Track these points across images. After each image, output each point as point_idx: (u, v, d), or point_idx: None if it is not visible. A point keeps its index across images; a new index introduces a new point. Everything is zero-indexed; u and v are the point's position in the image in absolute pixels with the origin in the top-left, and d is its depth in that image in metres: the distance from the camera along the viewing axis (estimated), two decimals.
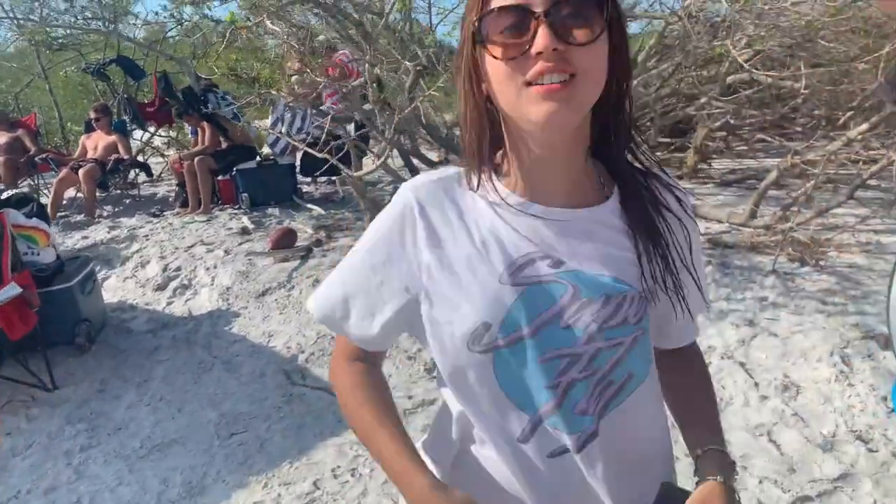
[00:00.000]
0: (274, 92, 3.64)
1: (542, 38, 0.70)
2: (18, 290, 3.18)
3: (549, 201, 0.85)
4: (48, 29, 5.27)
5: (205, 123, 6.48)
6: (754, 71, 4.15)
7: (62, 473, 2.76)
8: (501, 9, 0.73)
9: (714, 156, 6.99)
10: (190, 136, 7.63)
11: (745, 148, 7.08)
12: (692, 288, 0.91)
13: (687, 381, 1.02)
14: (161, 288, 4.65)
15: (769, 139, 6.96)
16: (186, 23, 8.19)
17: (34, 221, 3.71)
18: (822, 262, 3.82)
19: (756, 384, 2.91)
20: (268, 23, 3.24)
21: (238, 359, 3.63)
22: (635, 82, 5.19)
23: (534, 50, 0.71)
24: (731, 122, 6.01)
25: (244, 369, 3.51)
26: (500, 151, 0.87)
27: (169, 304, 4.43)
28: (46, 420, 3.15)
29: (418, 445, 0.96)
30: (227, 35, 3.25)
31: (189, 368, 3.56)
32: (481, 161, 0.86)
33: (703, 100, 5.51)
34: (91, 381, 3.49)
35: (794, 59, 4.41)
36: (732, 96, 5.92)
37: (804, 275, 3.71)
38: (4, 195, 3.90)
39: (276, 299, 4.23)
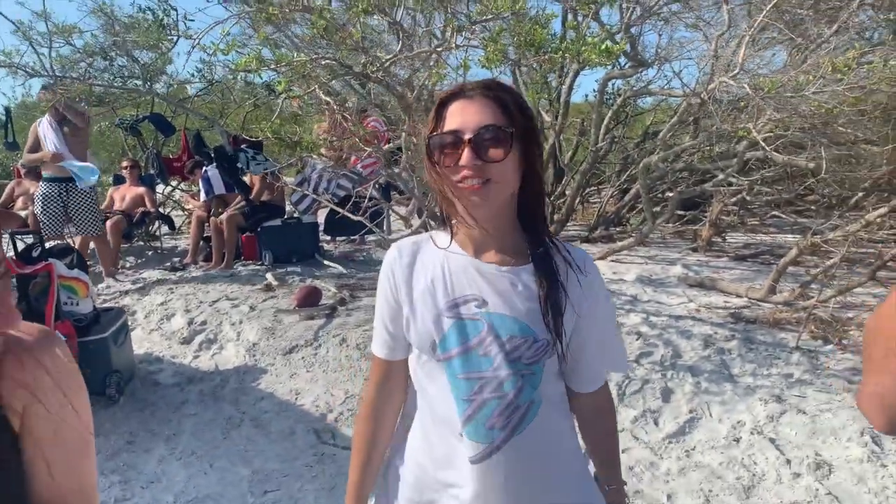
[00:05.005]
0: (314, 157, 3.79)
1: (466, 155, 1.06)
2: (62, 339, 3.23)
3: (484, 259, 1.16)
4: (90, 86, 5.46)
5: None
6: (776, 154, 4.32)
7: None
8: (444, 133, 1.09)
9: (728, 230, 7.14)
10: (204, 194, 7.75)
11: (757, 223, 7.24)
12: (604, 344, 1.23)
13: (594, 420, 1.29)
14: (187, 341, 4.70)
15: (782, 216, 7.11)
16: (218, 83, 8.53)
17: (75, 272, 3.80)
18: (844, 342, 3.88)
19: (788, 461, 2.93)
20: (321, 94, 3.42)
21: (266, 416, 3.65)
22: (655, 158, 5.38)
23: (461, 163, 1.06)
24: (747, 198, 6.18)
25: (273, 427, 3.53)
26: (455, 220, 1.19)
27: (195, 357, 4.47)
28: None
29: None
30: (282, 104, 3.42)
31: (217, 424, 3.59)
32: (442, 224, 1.23)
33: (720, 176, 5.68)
34: (120, 434, 3.51)
35: (814, 143, 4.58)
36: (747, 173, 6.10)
37: (828, 353, 3.77)
38: (47, 245, 4.01)
39: (302, 357, 4.27)
